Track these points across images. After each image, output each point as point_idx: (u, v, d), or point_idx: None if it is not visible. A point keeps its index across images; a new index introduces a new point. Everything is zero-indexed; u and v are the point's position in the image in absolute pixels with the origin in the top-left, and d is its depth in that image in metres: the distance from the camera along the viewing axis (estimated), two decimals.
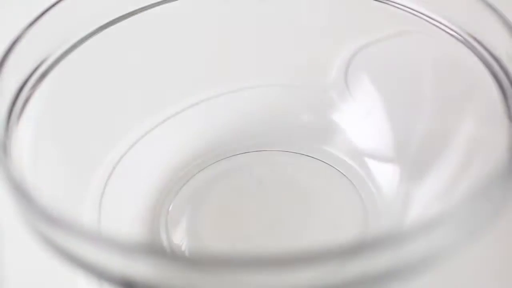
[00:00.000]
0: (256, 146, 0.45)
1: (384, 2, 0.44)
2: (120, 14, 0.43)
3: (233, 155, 0.44)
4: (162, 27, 0.46)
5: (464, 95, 0.41)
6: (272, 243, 0.40)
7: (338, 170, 0.43)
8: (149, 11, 0.44)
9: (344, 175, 0.44)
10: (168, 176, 0.43)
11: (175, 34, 0.46)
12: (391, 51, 0.45)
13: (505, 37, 0.37)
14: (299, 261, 0.28)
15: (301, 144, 0.45)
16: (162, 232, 0.40)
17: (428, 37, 0.43)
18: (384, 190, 0.42)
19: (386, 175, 0.43)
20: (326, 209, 0.41)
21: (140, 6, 0.44)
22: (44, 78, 0.40)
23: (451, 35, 0.41)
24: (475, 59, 0.39)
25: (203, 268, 0.29)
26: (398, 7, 0.44)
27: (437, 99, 0.43)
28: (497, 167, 0.31)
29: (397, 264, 0.29)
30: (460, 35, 0.41)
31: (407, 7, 0.43)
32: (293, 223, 0.41)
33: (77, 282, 0.39)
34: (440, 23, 0.42)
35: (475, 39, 0.40)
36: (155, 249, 0.37)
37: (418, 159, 0.42)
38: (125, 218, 0.40)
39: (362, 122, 0.45)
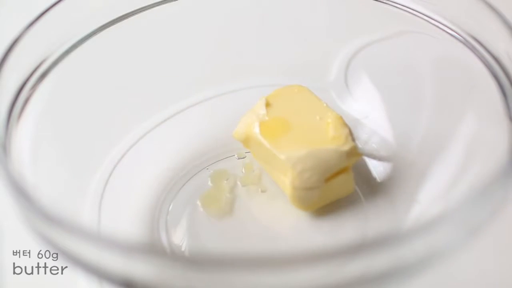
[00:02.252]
0: None
1: (384, 2, 0.44)
2: (120, 14, 0.43)
3: (233, 155, 0.44)
4: (162, 27, 0.46)
5: (464, 95, 0.41)
6: (272, 243, 0.40)
7: None
8: (149, 11, 0.44)
9: None
10: (168, 176, 0.43)
11: (175, 34, 0.46)
12: (391, 51, 0.45)
13: (505, 37, 0.37)
14: (299, 261, 0.28)
15: None
16: (162, 232, 0.40)
17: (428, 37, 0.43)
18: (384, 190, 0.42)
19: (386, 175, 0.43)
20: (326, 209, 0.41)
21: (140, 6, 0.44)
22: (44, 78, 0.40)
23: (451, 35, 0.41)
24: (475, 59, 0.39)
25: (203, 268, 0.29)
26: (398, 7, 0.44)
27: (437, 99, 0.43)
28: (497, 167, 0.31)
29: (397, 264, 0.29)
30: (460, 35, 0.41)
31: (407, 7, 0.43)
32: (293, 223, 0.41)
33: (78, 282, 0.39)
34: (440, 23, 0.42)
35: (475, 39, 0.40)
36: (155, 249, 0.37)
37: (418, 159, 0.42)
38: (125, 218, 0.40)
39: (362, 122, 0.45)
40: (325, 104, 0.42)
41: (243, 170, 0.44)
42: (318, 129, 0.41)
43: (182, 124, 0.45)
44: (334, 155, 0.39)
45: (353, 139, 0.41)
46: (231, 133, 0.43)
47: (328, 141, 0.40)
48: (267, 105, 0.42)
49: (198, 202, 0.42)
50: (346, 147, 0.40)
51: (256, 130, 0.41)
